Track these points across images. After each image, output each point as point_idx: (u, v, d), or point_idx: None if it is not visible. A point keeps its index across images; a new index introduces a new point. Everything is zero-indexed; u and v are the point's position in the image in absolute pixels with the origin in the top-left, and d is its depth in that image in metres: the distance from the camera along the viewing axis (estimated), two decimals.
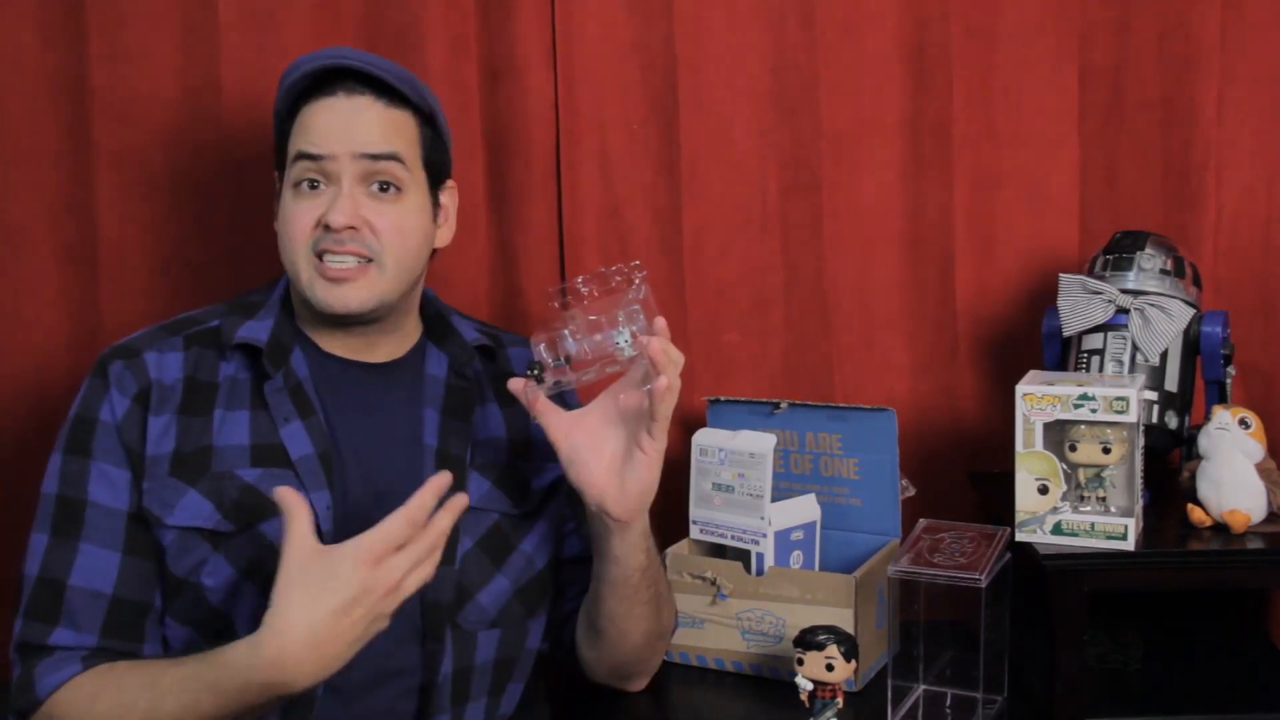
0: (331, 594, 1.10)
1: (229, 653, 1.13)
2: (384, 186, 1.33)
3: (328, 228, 1.30)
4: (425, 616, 1.31)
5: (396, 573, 1.12)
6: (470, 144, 1.75)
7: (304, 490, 1.28)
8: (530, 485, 1.42)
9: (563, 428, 1.29)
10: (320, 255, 1.31)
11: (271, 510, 1.26)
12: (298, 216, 1.32)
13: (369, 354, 1.39)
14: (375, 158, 1.32)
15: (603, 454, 1.29)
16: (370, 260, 1.32)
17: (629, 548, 1.33)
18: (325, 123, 1.32)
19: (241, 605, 1.25)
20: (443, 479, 1.16)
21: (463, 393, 1.41)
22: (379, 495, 1.32)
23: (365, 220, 1.31)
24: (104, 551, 1.26)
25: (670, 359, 1.22)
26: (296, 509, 1.13)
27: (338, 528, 1.29)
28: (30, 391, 1.71)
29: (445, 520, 1.15)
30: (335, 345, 1.38)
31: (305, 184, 1.32)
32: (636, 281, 1.23)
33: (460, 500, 1.17)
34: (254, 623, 1.18)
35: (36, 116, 1.69)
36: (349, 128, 1.31)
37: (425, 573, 1.15)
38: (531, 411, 1.28)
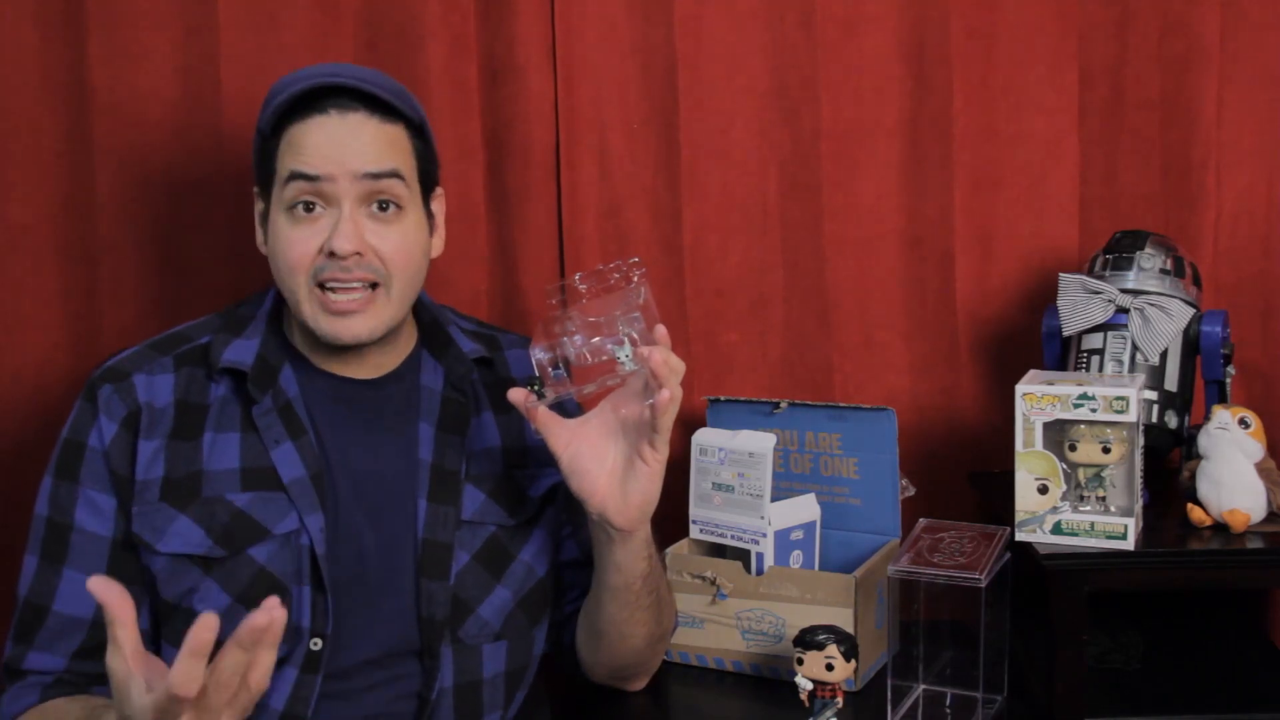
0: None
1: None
2: (383, 205, 1.29)
3: (332, 254, 1.26)
4: (422, 633, 1.30)
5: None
6: (470, 144, 1.75)
7: (296, 512, 1.28)
8: (527, 494, 1.40)
9: (563, 437, 1.27)
10: (323, 285, 1.27)
11: (263, 534, 1.26)
12: (296, 243, 1.27)
13: (362, 369, 1.37)
14: (376, 176, 1.27)
15: (604, 464, 1.28)
16: (376, 285, 1.29)
17: (631, 556, 1.32)
18: (319, 141, 1.26)
19: (234, 630, 1.25)
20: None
21: (459, 406, 1.39)
22: (373, 512, 1.32)
23: (369, 245, 1.27)
24: (86, 577, 1.26)
25: (672, 370, 1.20)
26: (119, 612, 0.98)
27: (331, 549, 1.28)
28: (30, 390, 1.71)
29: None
30: (327, 362, 1.36)
31: (301, 207, 1.27)
32: (635, 280, 1.22)
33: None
34: None
35: (36, 116, 1.69)
36: (346, 146, 1.26)
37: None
38: (533, 422, 1.26)
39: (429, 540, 1.32)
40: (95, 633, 1.26)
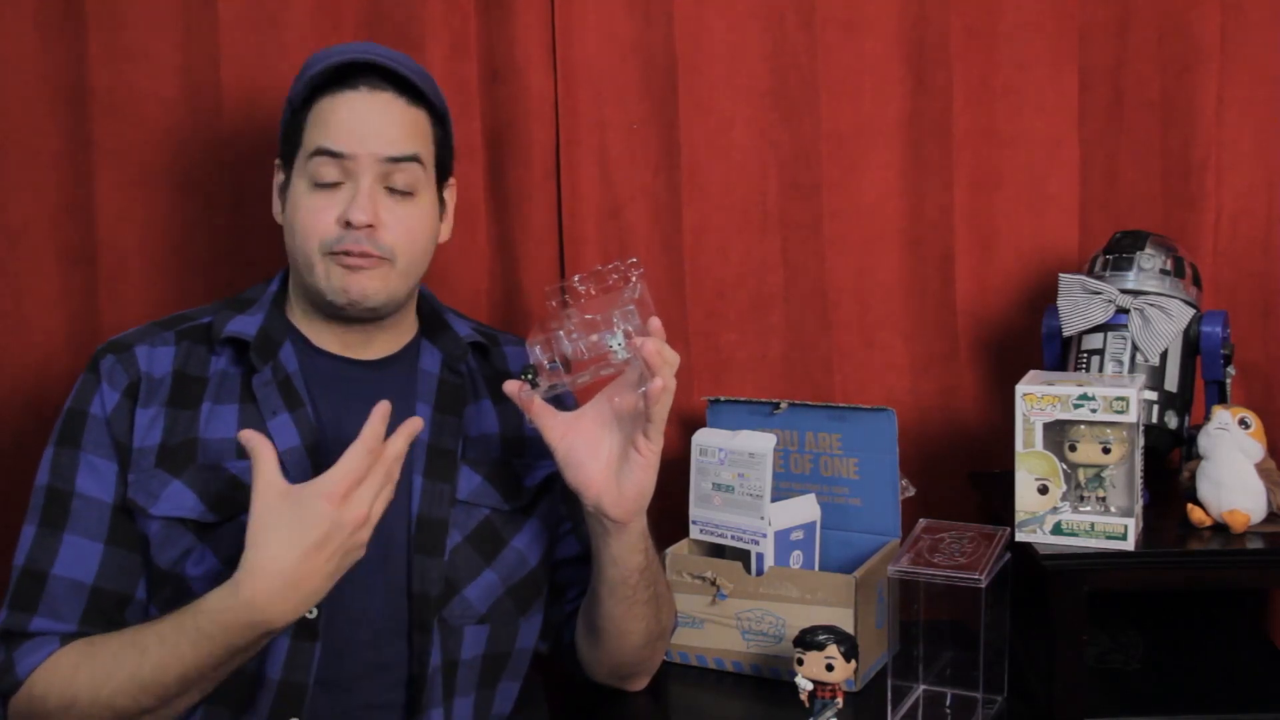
0: (303, 533, 1.13)
1: (208, 599, 1.16)
2: (398, 187, 1.33)
3: (348, 224, 1.30)
4: (412, 609, 1.31)
5: (363, 505, 1.15)
6: (470, 144, 1.75)
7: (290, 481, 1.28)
8: (523, 482, 1.41)
9: (559, 430, 1.29)
10: (333, 254, 1.31)
11: None
12: (315, 211, 1.31)
13: (363, 351, 1.39)
14: (395, 160, 1.32)
15: (599, 455, 1.29)
16: (383, 259, 1.32)
17: (627, 548, 1.33)
18: (346, 119, 1.31)
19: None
20: (385, 406, 1.18)
21: (455, 388, 1.41)
22: None
23: (382, 220, 1.31)
24: (87, 542, 1.27)
25: (664, 360, 1.21)
26: (261, 451, 1.16)
27: None
28: (30, 391, 1.71)
29: (399, 444, 1.18)
30: (328, 341, 1.38)
31: (321, 179, 1.32)
32: (633, 279, 1.23)
33: (414, 424, 1.20)
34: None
35: (36, 116, 1.69)
36: (371, 127, 1.31)
37: (387, 497, 1.18)
38: (528, 414, 1.28)
39: (424, 517, 1.33)
40: (98, 599, 1.26)
